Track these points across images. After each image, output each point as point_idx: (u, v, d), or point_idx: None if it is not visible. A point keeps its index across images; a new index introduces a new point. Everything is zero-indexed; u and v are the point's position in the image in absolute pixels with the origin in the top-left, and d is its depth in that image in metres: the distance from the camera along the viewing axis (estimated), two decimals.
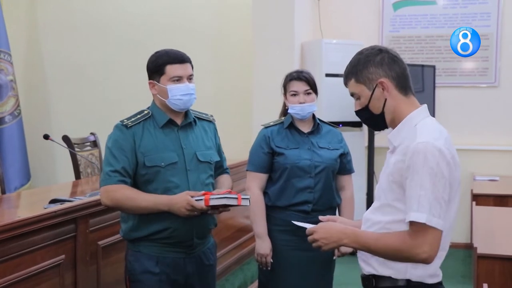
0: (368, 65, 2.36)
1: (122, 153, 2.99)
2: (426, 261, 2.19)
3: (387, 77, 2.34)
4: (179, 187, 3.00)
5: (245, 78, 7.32)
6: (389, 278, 2.33)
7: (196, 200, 2.89)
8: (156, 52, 3.13)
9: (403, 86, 2.37)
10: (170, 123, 3.11)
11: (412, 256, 2.19)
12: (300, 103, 3.59)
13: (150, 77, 3.12)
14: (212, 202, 2.89)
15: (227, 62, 7.80)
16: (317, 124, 3.69)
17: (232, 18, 7.79)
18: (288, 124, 3.65)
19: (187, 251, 3.11)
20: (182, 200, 2.88)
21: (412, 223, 2.20)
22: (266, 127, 3.71)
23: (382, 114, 2.38)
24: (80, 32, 8.27)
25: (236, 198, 2.92)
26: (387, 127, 2.44)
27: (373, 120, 2.43)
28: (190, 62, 3.13)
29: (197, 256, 3.16)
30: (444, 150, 2.21)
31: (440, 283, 2.41)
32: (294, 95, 3.61)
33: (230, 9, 7.83)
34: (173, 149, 3.07)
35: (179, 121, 3.14)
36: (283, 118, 3.73)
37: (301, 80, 3.62)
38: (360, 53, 2.42)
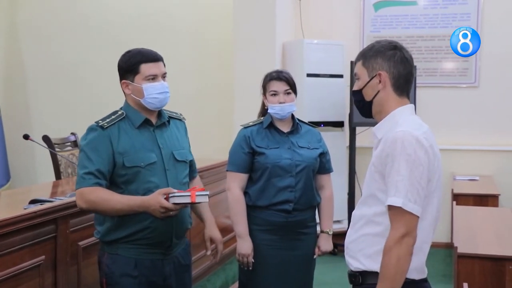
0: (378, 55, 2.46)
1: (97, 155, 2.94)
2: (408, 241, 2.23)
3: (387, 73, 2.43)
4: (159, 187, 2.97)
5: (226, 78, 7.32)
6: (376, 273, 2.34)
7: (180, 195, 2.86)
8: (128, 52, 3.10)
9: (400, 87, 2.45)
10: (146, 123, 3.08)
11: (396, 244, 2.23)
12: (280, 103, 3.59)
13: (123, 77, 3.08)
14: (171, 201, 2.86)
15: (208, 62, 7.80)
16: (296, 124, 3.70)
17: (214, 18, 7.78)
18: (267, 124, 3.65)
19: (166, 252, 3.09)
20: (155, 202, 2.85)
21: (389, 208, 2.27)
22: (246, 127, 3.71)
23: (371, 102, 2.47)
24: (61, 32, 8.23)
25: (189, 195, 2.86)
26: (371, 116, 2.52)
27: (361, 104, 2.52)
28: (163, 61, 3.10)
29: (174, 257, 3.14)
30: (421, 139, 2.28)
31: (425, 280, 2.43)
32: (274, 95, 3.61)
33: (211, 8, 7.82)
34: (151, 149, 3.05)
35: (153, 120, 3.12)
36: (262, 118, 3.73)
37: (281, 80, 3.63)
38: (378, 42, 2.53)
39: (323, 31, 7.43)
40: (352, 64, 5.70)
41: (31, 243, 3.19)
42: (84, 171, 2.93)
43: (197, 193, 2.87)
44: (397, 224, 2.24)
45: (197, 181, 3.41)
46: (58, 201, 3.51)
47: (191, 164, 3.32)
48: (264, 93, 3.69)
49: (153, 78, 3.02)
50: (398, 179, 2.24)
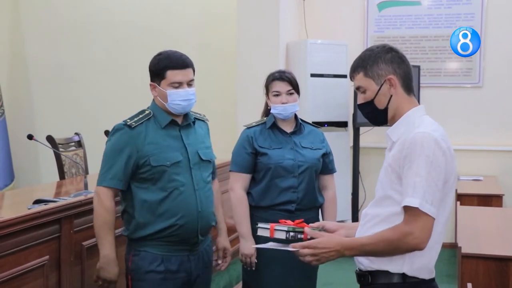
0: (378, 61, 2.43)
1: (117, 158, 3.04)
2: (418, 246, 2.24)
3: (395, 75, 2.42)
4: (185, 185, 3.07)
5: (230, 78, 7.31)
6: (385, 273, 2.35)
7: (262, 228, 2.60)
8: (159, 54, 3.15)
9: (407, 86, 2.46)
10: (172, 123, 3.15)
11: (404, 242, 2.23)
12: (283, 103, 3.60)
13: (151, 79, 3.15)
14: (276, 235, 2.53)
15: (212, 62, 7.78)
16: (299, 124, 3.70)
17: (217, 18, 7.79)
18: (270, 124, 3.66)
19: (192, 249, 3.15)
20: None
21: (406, 209, 2.25)
22: (249, 128, 3.72)
23: (385, 109, 2.45)
24: (64, 32, 8.24)
25: (268, 228, 2.55)
26: (386, 123, 2.50)
27: (375, 114, 2.49)
28: (192, 67, 3.18)
29: (200, 254, 3.20)
30: (440, 141, 2.29)
31: (433, 279, 2.43)
32: (277, 95, 3.62)
33: (215, 9, 7.82)
34: (176, 148, 3.12)
35: (179, 121, 3.19)
36: (265, 118, 3.74)
37: (284, 80, 3.63)
38: (370, 50, 2.48)
39: (327, 31, 7.43)
40: None
41: (35, 243, 3.20)
42: (103, 171, 3.07)
43: (275, 227, 2.54)
44: (412, 226, 2.22)
45: (216, 184, 3.48)
46: (62, 201, 3.53)
47: (213, 165, 3.38)
48: (267, 94, 3.69)
49: (178, 85, 3.09)
50: (416, 180, 2.23)
